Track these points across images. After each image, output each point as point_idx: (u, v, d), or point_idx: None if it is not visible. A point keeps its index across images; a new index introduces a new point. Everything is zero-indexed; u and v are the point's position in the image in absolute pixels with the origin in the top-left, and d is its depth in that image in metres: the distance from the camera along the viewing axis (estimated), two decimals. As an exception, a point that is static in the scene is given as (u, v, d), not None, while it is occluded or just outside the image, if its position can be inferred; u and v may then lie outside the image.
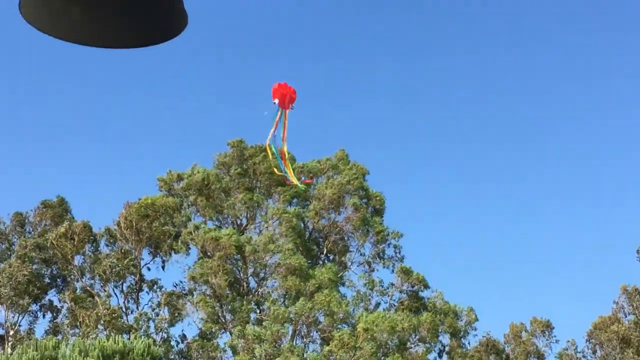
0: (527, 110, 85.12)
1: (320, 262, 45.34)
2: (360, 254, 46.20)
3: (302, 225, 45.03)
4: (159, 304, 44.20)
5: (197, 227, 43.36)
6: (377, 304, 45.20)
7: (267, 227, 44.45)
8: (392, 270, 46.01)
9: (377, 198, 46.01)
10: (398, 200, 74.83)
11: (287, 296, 42.62)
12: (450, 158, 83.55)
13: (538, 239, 79.97)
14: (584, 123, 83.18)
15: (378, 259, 46.18)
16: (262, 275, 44.30)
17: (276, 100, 22.44)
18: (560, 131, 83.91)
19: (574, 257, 78.55)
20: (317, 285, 41.27)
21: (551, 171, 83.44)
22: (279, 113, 22.81)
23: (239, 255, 43.06)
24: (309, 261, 43.42)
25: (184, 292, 44.23)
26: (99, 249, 45.62)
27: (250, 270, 44.03)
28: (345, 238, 45.98)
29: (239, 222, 45.63)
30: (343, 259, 45.84)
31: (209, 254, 42.51)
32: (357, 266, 46.11)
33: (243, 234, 44.36)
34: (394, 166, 79.27)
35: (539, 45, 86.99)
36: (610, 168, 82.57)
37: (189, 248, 43.86)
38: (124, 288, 44.54)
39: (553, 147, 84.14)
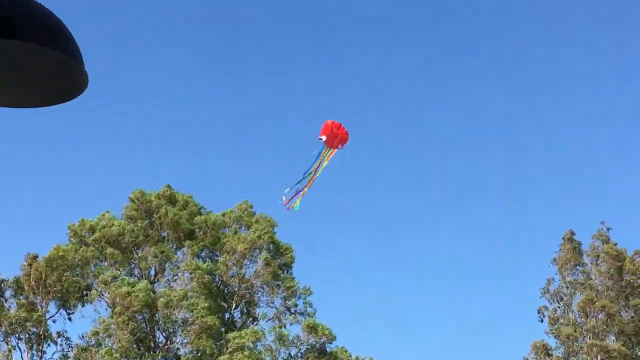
0: (433, 161, 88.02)
1: (228, 315, 45.42)
2: (270, 308, 46.45)
3: (211, 278, 45.05)
4: (65, 357, 43.35)
5: (114, 278, 42.90)
6: (286, 359, 45.40)
7: (176, 281, 44.45)
8: (301, 326, 46.31)
9: (287, 252, 46.54)
10: (306, 248, 75.51)
11: (198, 354, 42.41)
12: (361, 209, 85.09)
13: (451, 297, 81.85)
14: (487, 190, 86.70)
15: (288, 314, 46.47)
16: (171, 330, 44.03)
17: (324, 137, 21.73)
18: (469, 194, 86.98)
19: (487, 315, 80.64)
20: (239, 345, 41.26)
21: (459, 231, 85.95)
22: (326, 150, 21.98)
23: (147, 309, 42.76)
24: (218, 316, 43.42)
25: (91, 345, 43.49)
26: (4, 299, 44.59)
27: (159, 325, 43.73)
28: (255, 292, 46.18)
29: (148, 274, 45.36)
30: (252, 312, 46.01)
31: (118, 307, 42.07)
32: (267, 321, 46.32)
33: (153, 286, 44.17)
34: (299, 216, 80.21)
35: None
36: (511, 229, 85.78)
37: (100, 300, 43.39)
38: (28, 340, 43.54)
39: (462, 203, 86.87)
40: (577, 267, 52.17)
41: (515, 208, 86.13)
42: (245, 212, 46.53)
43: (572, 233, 53.02)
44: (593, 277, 51.37)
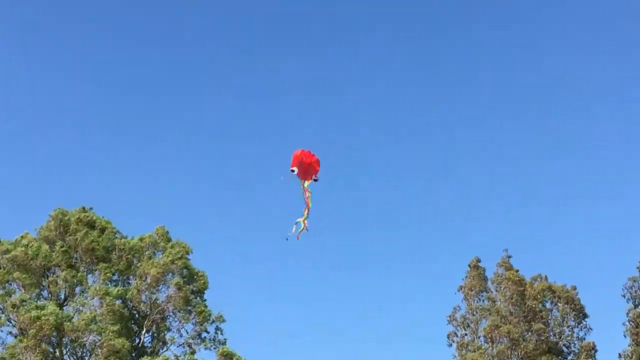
0: (348, 192, 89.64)
1: (139, 340, 45.26)
2: (181, 335, 46.37)
3: (122, 302, 44.85)
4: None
5: (23, 301, 42.29)
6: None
7: (85, 305, 44.04)
8: (215, 353, 46.33)
9: (201, 278, 46.70)
10: (221, 276, 75.90)
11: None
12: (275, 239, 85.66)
13: (364, 323, 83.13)
14: (398, 220, 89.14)
15: (199, 340, 46.48)
16: (79, 354, 43.61)
17: (294, 169, 19.74)
18: (381, 222, 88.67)
19: (399, 340, 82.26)
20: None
21: (371, 259, 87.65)
22: (302, 183, 20.28)
23: (56, 333, 42.30)
24: (129, 340, 43.24)
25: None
26: None
27: (68, 349, 43.28)
28: (167, 317, 46.16)
29: (57, 297, 44.85)
30: (163, 337, 45.93)
31: (25, 333, 41.54)
32: (177, 347, 46.23)
33: (62, 309, 43.72)
34: (215, 243, 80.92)
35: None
36: (422, 256, 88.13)
37: (7, 325, 42.77)
38: None
39: (373, 231, 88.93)
40: (483, 292, 53.84)
41: (425, 237, 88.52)
42: (162, 238, 46.70)
43: (478, 260, 54.71)
44: (498, 303, 53.06)
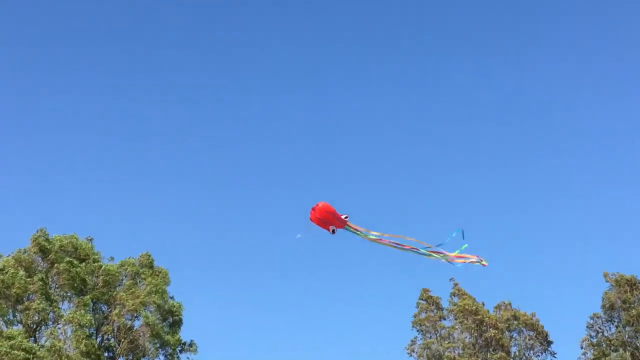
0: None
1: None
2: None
3: (95, 331, 43.30)
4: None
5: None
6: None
7: (54, 333, 42.06)
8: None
9: (176, 309, 45.87)
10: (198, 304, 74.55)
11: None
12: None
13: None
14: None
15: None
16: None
17: (332, 228, 18.13)
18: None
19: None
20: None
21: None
22: (357, 232, 18.60)
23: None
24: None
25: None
26: None
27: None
28: (140, 346, 44.79)
29: (28, 325, 42.38)
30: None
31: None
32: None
33: (34, 336, 41.55)
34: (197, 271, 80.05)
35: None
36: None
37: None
38: None
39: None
40: (443, 320, 53.89)
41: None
42: (145, 265, 45.65)
43: (428, 291, 54.85)
44: (456, 334, 53.02)
